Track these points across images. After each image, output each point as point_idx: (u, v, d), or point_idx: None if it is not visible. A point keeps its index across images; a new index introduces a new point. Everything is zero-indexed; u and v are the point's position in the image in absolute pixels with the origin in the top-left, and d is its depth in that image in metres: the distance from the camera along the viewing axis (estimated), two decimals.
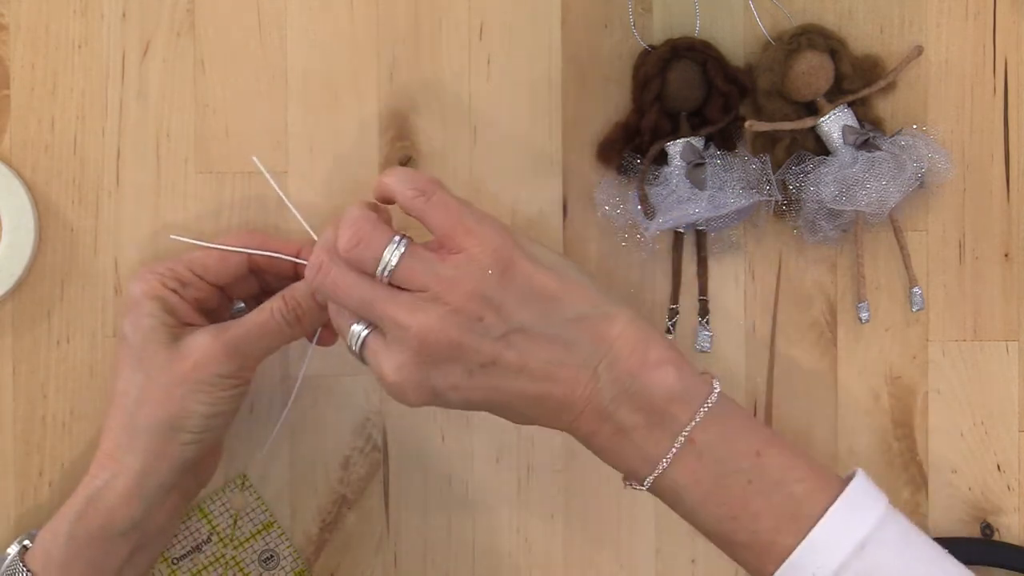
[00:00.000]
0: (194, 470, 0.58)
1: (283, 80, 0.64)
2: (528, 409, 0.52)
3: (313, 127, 0.64)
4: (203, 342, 0.55)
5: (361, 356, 0.53)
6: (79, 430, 0.63)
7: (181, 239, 0.58)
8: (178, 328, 0.56)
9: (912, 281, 0.65)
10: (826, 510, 0.50)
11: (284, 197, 0.60)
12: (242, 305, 0.61)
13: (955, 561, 0.52)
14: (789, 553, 0.50)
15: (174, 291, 0.56)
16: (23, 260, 0.62)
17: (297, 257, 0.58)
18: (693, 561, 0.65)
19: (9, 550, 0.60)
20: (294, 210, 0.59)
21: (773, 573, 0.50)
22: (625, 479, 0.54)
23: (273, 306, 0.56)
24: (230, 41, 0.64)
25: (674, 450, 0.51)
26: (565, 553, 0.65)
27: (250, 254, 0.58)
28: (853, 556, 0.49)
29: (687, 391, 0.52)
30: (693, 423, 0.51)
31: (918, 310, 0.65)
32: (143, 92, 0.63)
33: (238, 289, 0.60)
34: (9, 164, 0.63)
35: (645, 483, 0.52)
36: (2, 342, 0.63)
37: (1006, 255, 0.65)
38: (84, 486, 0.55)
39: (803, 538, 0.50)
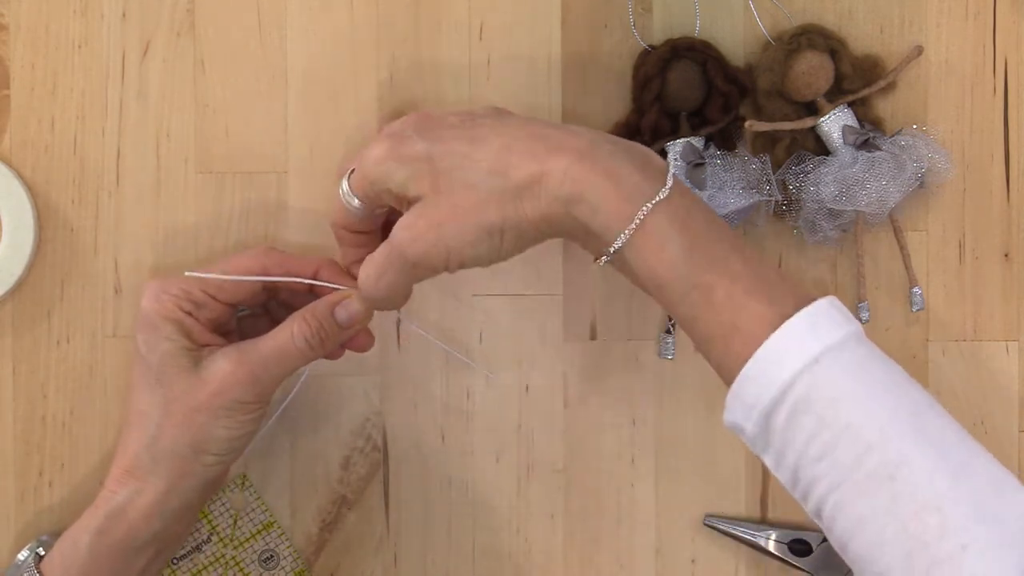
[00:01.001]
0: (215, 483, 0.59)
1: (283, 80, 0.64)
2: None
3: (313, 127, 0.64)
4: (224, 369, 0.54)
5: None
6: (79, 430, 0.63)
7: (197, 275, 0.56)
8: (196, 351, 0.55)
9: (912, 281, 0.65)
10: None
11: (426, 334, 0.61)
12: (245, 310, 0.60)
13: (922, 391, 0.50)
14: (746, 360, 0.48)
15: (189, 313, 0.56)
16: (23, 260, 0.62)
17: (315, 278, 0.57)
18: (693, 561, 0.65)
19: (20, 555, 0.60)
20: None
21: (732, 384, 0.49)
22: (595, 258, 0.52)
23: (295, 329, 0.55)
24: (230, 41, 0.64)
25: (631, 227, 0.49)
26: (565, 553, 0.65)
27: (268, 281, 0.57)
28: (805, 369, 0.47)
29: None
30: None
31: (918, 310, 0.65)
32: (143, 92, 0.63)
33: (250, 303, 0.59)
34: (9, 164, 0.63)
35: (602, 259, 0.51)
36: (2, 342, 0.63)
37: (1006, 255, 0.65)
38: (104, 500, 0.55)
39: (759, 347, 0.48)
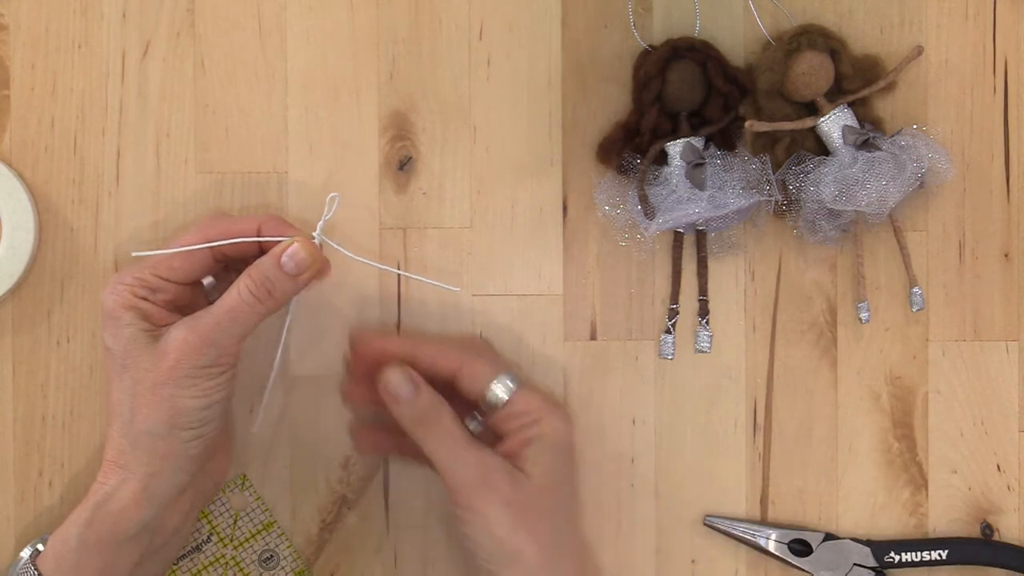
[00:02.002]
0: (205, 470, 0.58)
1: (283, 80, 0.64)
2: None
3: (313, 127, 0.64)
4: (179, 336, 0.55)
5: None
6: (79, 430, 0.63)
7: (143, 254, 0.57)
8: (156, 331, 0.56)
9: (912, 281, 0.65)
10: None
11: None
12: (212, 280, 0.59)
13: None
14: None
15: (145, 299, 0.56)
16: (23, 260, 0.62)
17: (259, 235, 0.57)
18: (693, 561, 0.65)
19: (22, 553, 0.60)
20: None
21: None
22: None
23: (240, 286, 0.55)
24: (230, 41, 0.64)
25: None
26: None
27: (216, 247, 0.57)
28: None
29: None
30: None
31: (918, 310, 0.65)
32: (143, 92, 0.63)
33: (205, 275, 0.59)
34: (9, 164, 0.63)
35: None
36: (2, 342, 0.63)
37: (1006, 255, 0.65)
38: (92, 493, 0.55)
39: None
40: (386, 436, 0.61)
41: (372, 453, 0.63)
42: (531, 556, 0.54)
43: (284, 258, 0.55)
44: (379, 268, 0.62)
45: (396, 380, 0.56)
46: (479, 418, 0.59)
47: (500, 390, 0.57)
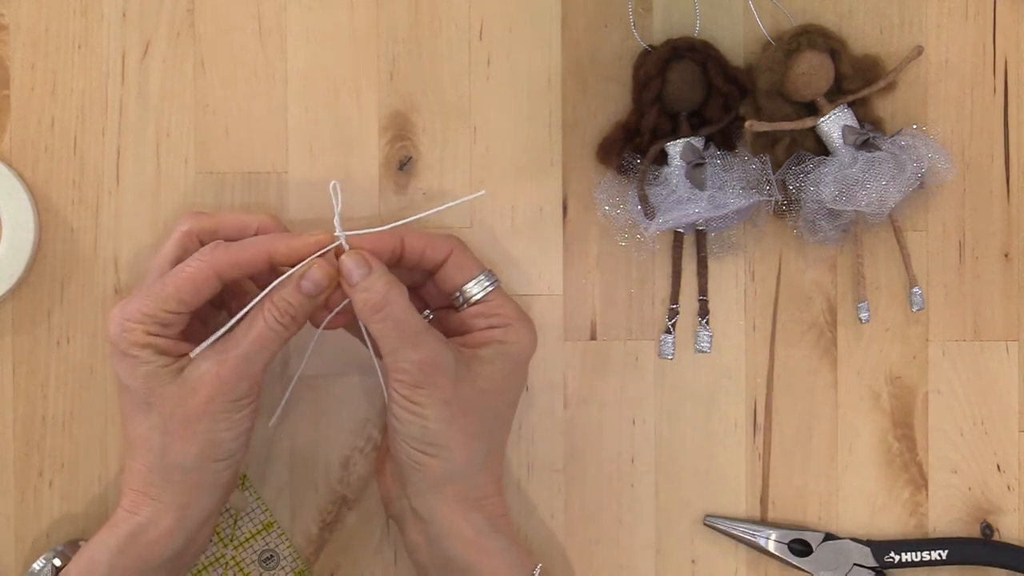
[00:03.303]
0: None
1: (283, 80, 0.64)
2: None
3: (313, 127, 0.64)
4: (210, 372, 0.54)
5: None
6: (79, 430, 0.63)
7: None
8: (175, 363, 0.55)
9: (912, 281, 0.65)
10: None
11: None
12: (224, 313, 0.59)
13: None
14: None
15: (158, 335, 0.55)
16: (23, 260, 0.62)
17: (256, 234, 0.57)
18: (693, 561, 0.65)
19: (35, 565, 0.60)
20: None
21: None
22: None
23: (265, 315, 0.55)
24: (230, 41, 0.64)
25: None
26: (565, 553, 0.64)
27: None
28: None
29: None
30: None
31: (918, 310, 0.65)
32: (143, 92, 0.63)
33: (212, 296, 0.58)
34: (9, 164, 0.63)
35: None
36: (2, 342, 0.63)
37: (1006, 255, 0.65)
38: (124, 520, 0.55)
39: None
40: (344, 315, 0.58)
41: (326, 328, 0.59)
42: (457, 453, 0.55)
43: (304, 282, 0.55)
44: (397, 226, 0.58)
45: (350, 264, 0.55)
46: (432, 315, 0.60)
47: (484, 283, 0.58)
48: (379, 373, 0.59)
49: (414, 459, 0.56)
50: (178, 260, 0.56)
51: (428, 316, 0.60)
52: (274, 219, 0.59)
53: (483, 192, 0.60)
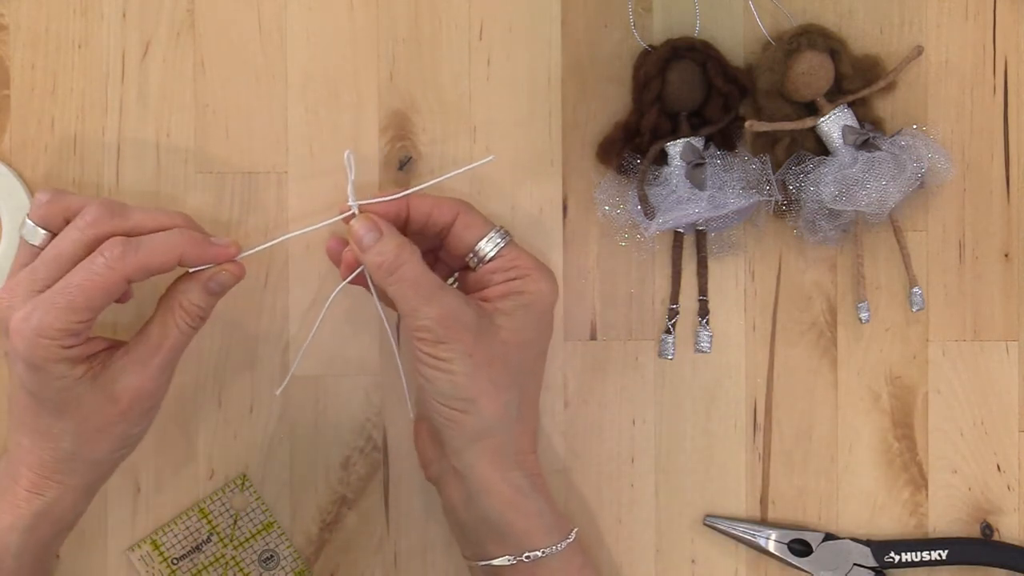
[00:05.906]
0: None
1: (283, 80, 0.64)
2: None
3: (313, 127, 0.64)
4: (132, 384, 0.55)
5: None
6: None
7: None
8: (89, 371, 0.55)
9: (912, 281, 0.65)
10: None
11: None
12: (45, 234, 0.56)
13: None
14: None
15: (72, 346, 0.54)
16: None
17: (170, 227, 0.56)
18: (693, 561, 0.65)
19: None
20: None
21: None
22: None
23: (176, 321, 0.56)
24: (230, 41, 0.64)
25: None
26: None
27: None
28: None
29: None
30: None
31: (918, 310, 0.65)
32: (143, 92, 0.63)
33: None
34: (9, 164, 0.63)
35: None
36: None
37: (1006, 255, 0.65)
38: (27, 500, 0.56)
39: None
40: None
41: (353, 283, 0.59)
42: (486, 405, 0.55)
43: (211, 283, 0.56)
44: (408, 193, 0.58)
45: (359, 229, 0.55)
46: (456, 283, 0.60)
47: (495, 239, 0.58)
48: (391, 337, 0.60)
49: (447, 416, 0.56)
50: (81, 259, 0.54)
51: (452, 283, 0.60)
52: (187, 218, 0.57)
53: (492, 157, 0.61)
